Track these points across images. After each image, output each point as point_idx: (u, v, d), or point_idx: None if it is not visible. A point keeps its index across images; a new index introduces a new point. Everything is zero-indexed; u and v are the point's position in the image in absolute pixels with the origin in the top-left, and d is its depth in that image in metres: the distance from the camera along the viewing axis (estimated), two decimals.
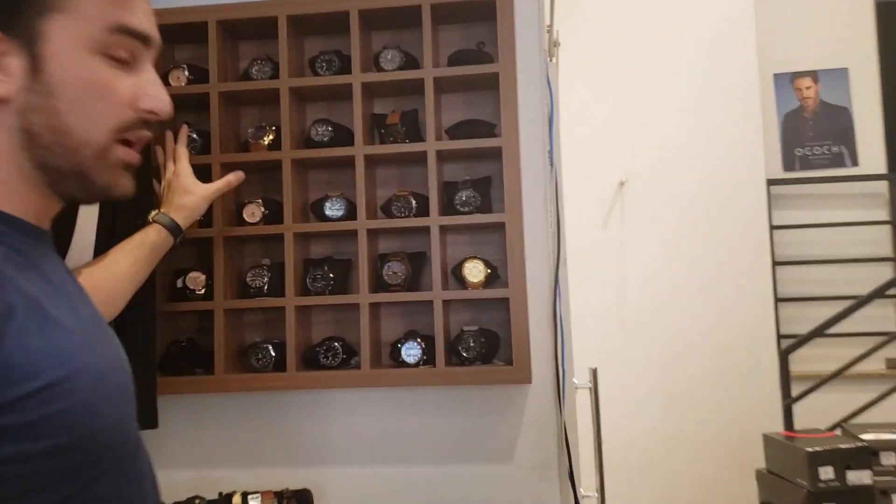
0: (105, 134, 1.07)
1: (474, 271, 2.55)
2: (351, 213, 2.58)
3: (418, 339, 2.53)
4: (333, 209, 2.61)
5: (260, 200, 2.62)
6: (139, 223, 2.24)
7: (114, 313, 2.13)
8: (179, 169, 2.38)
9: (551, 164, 2.70)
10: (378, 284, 2.57)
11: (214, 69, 2.59)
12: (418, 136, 2.57)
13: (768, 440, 4.19)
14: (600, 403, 2.92)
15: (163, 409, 2.46)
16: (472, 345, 2.51)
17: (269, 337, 2.65)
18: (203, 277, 2.62)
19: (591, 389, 2.95)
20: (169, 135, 2.48)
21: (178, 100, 2.63)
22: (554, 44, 3.07)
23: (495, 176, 2.64)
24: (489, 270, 2.55)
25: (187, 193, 2.33)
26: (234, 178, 2.44)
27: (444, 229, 2.56)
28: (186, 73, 2.64)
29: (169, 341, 2.66)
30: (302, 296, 2.57)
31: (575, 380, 2.97)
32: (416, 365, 2.51)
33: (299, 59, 2.70)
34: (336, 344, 2.56)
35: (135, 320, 2.36)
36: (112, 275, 2.10)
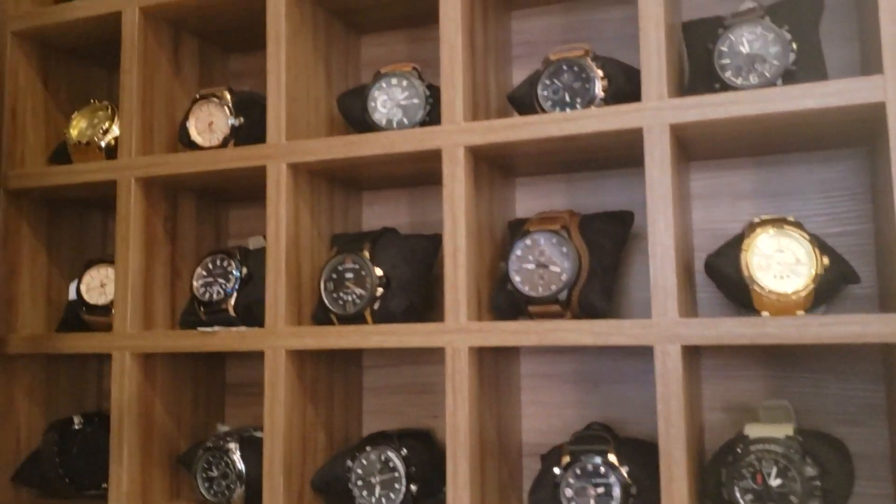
0: None
1: (780, 262, 0.85)
2: (439, 119, 0.98)
3: (607, 454, 0.87)
4: (388, 105, 1.03)
5: (227, 94, 1.11)
6: None
7: None
8: None
9: None
10: (503, 296, 0.95)
11: None
12: None
13: None
14: None
15: None
16: (776, 482, 0.82)
17: (248, 424, 1.12)
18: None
19: None
20: None
21: None
22: None
23: None
24: (826, 261, 0.84)
25: None
26: None
27: (679, 138, 0.90)
28: None
29: (53, 419, 1.21)
30: (303, 324, 1.01)
31: None
32: None
33: None
34: (391, 456, 0.97)
35: None
36: None
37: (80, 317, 1.17)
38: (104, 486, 1.14)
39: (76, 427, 1.17)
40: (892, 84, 0.79)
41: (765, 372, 1.00)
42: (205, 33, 1.23)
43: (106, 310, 1.15)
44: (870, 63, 0.93)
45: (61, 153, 1.22)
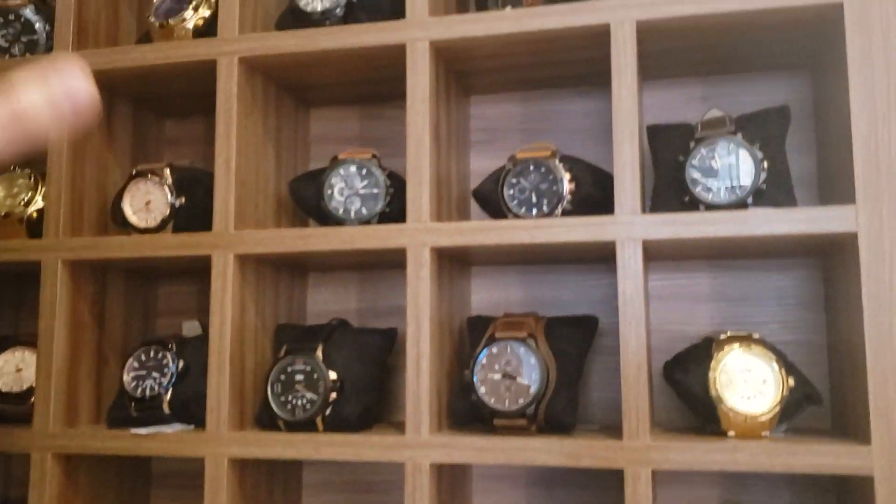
0: None
1: (746, 381, 0.85)
2: (400, 210, 0.94)
3: None
4: (346, 194, 0.98)
5: (167, 171, 1.03)
6: None
7: None
8: None
9: None
10: (463, 404, 0.91)
11: None
12: None
13: None
14: None
15: None
16: None
17: None
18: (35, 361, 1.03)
19: None
20: None
21: None
22: None
23: (804, 104, 0.96)
24: (791, 382, 0.84)
25: None
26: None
27: (647, 249, 0.89)
28: None
29: None
30: (245, 426, 0.95)
31: None
32: None
33: None
34: None
35: None
36: None
37: None
38: None
39: None
40: (864, 215, 0.79)
41: (720, 479, 0.99)
42: (139, 99, 1.15)
43: (23, 397, 1.05)
44: (827, 175, 0.95)
45: None
